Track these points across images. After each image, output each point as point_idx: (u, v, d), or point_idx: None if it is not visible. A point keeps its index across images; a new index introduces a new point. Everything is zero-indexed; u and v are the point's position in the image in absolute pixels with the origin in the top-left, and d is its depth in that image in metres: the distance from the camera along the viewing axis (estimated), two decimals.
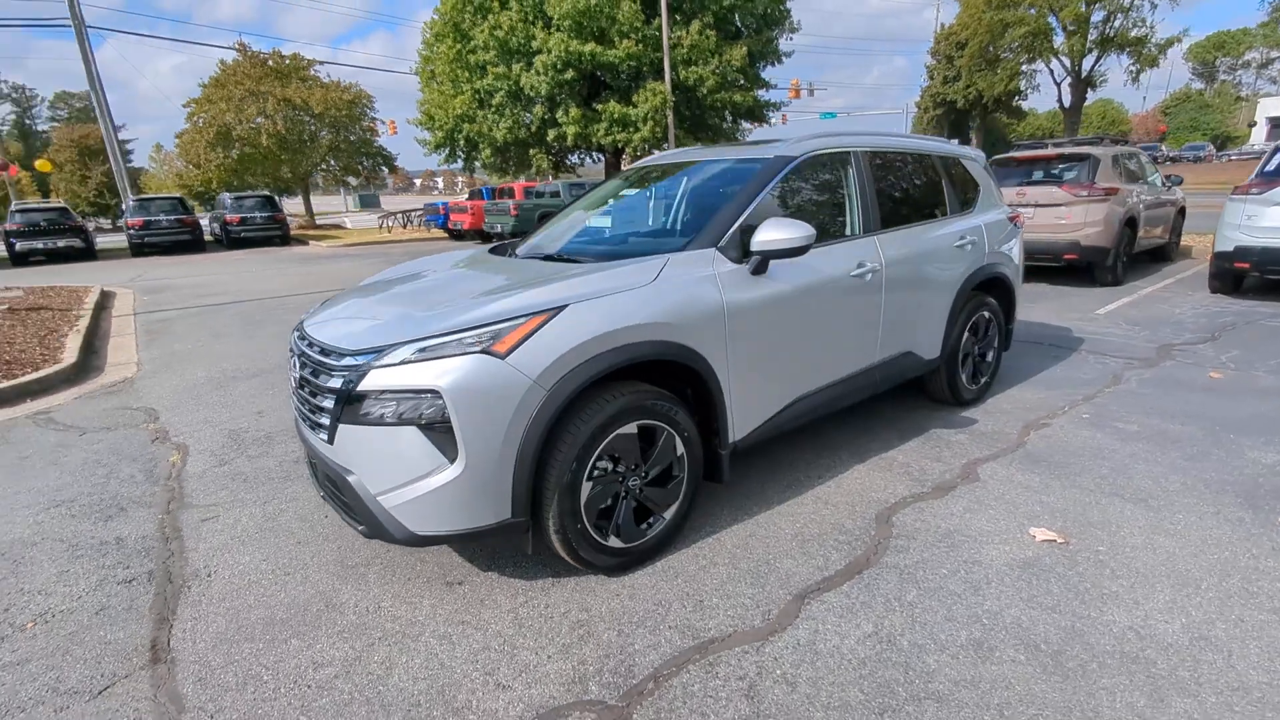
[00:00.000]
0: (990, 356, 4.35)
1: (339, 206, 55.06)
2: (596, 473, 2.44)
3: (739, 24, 20.63)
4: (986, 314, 4.18)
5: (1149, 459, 3.38)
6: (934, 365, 3.90)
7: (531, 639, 2.24)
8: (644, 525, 2.63)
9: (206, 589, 2.61)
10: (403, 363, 2.18)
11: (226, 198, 22.75)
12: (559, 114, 19.24)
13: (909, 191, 3.86)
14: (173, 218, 20.84)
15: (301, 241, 22.97)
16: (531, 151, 21.20)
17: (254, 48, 28.69)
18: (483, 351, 2.17)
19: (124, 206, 22.31)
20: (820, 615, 2.30)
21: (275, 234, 22.36)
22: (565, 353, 2.25)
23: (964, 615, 2.26)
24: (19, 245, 18.92)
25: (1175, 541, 2.65)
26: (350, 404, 2.23)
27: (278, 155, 27.73)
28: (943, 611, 2.28)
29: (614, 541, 2.52)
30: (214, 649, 2.26)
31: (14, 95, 68.11)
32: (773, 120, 23.99)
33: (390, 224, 26.54)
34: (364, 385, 2.21)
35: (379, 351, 2.23)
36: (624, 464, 2.52)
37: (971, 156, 4.35)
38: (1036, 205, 7.64)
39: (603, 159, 23.05)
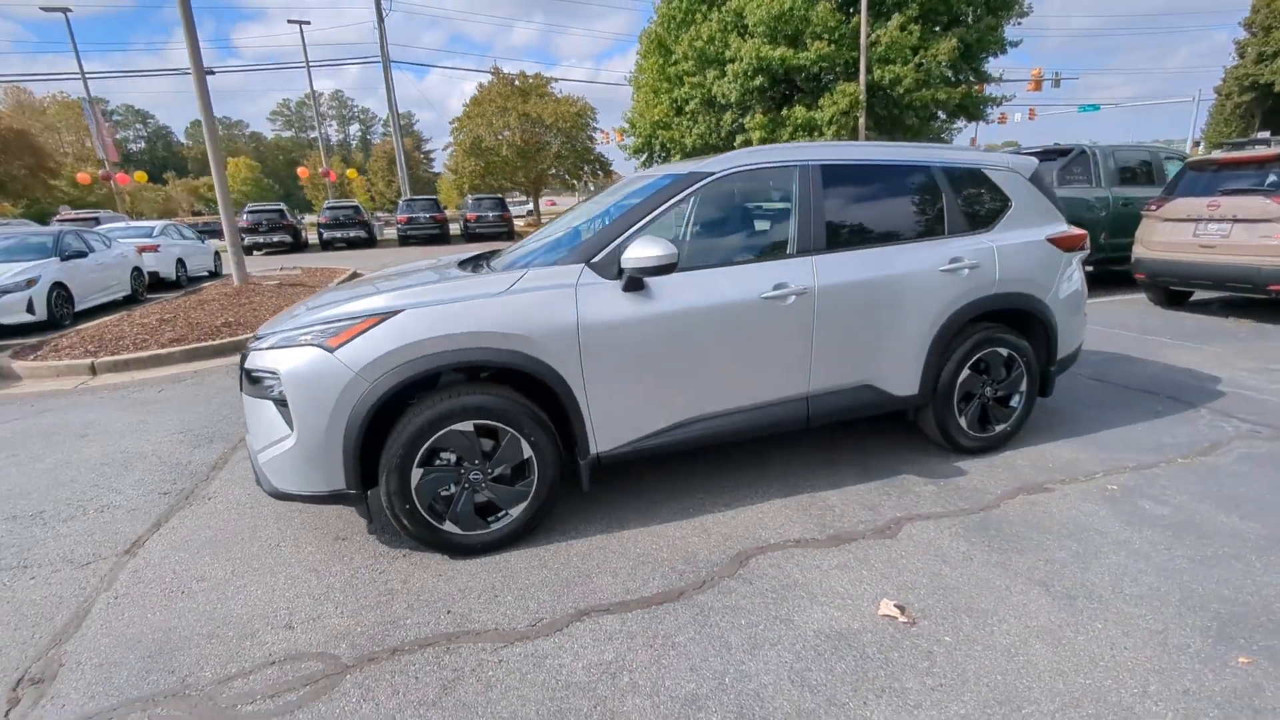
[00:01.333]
0: (1016, 401, 3.61)
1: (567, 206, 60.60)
2: (439, 461, 2.65)
3: (955, 14, 18.50)
4: (1003, 351, 3.48)
5: (1138, 552, 2.61)
6: (913, 403, 3.38)
7: (347, 595, 2.55)
8: (489, 519, 2.78)
9: (199, 509, 3.35)
10: (268, 348, 2.63)
11: (469, 199, 26.51)
12: (746, 119, 19.12)
13: (883, 208, 3.37)
14: (428, 215, 24.91)
15: (523, 236, 25.93)
16: None
17: (505, 70, 32.73)
18: (316, 345, 2.52)
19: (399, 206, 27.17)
20: (581, 634, 2.26)
21: (503, 230, 25.51)
22: (389, 351, 2.50)
23: (709, 670, 2.07)
24: (325, 235, 24.24)
25: (1058, 653, 2.08)
26: (245, 377, 2.74)
27: (514, 162, 31.48)
28: (693, 662, 2.11)
29: (449, 527, 2.72)
30: (165, 554, 2.93)
31: (360, 116, 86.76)
32: (990, 118, 21.14)
33: None
34: (248, 364, 2.70)
35: (260, 338, 2.71)
36: (465, 459, 2.69)
37: (1002, 166, 3.62)
38: (1234, 220, 5.90)
39: None
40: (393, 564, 2.75)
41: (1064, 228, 3.66)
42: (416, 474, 2.63)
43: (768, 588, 2.48)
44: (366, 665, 2.15)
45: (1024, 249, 3.50)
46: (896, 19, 17.41)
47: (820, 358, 3.13)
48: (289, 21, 45.17)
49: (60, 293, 9.06)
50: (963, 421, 3.49)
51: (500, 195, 27.77)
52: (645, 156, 23.20)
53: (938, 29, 18.37)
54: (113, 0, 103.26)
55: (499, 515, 2.79)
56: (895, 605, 2.32)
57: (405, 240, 24.62)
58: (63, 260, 9.47)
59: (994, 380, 3.53)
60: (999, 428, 3.59)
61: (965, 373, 3.42)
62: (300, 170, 40.70)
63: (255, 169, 63.24)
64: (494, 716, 1.92)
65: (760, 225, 3.20)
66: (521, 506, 2.80)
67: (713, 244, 3.25)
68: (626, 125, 23.42)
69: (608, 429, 2.85)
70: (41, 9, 25.58)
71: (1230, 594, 2.34)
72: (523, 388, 2.77)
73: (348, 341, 2.52)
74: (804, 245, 3.11)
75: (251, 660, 2.19)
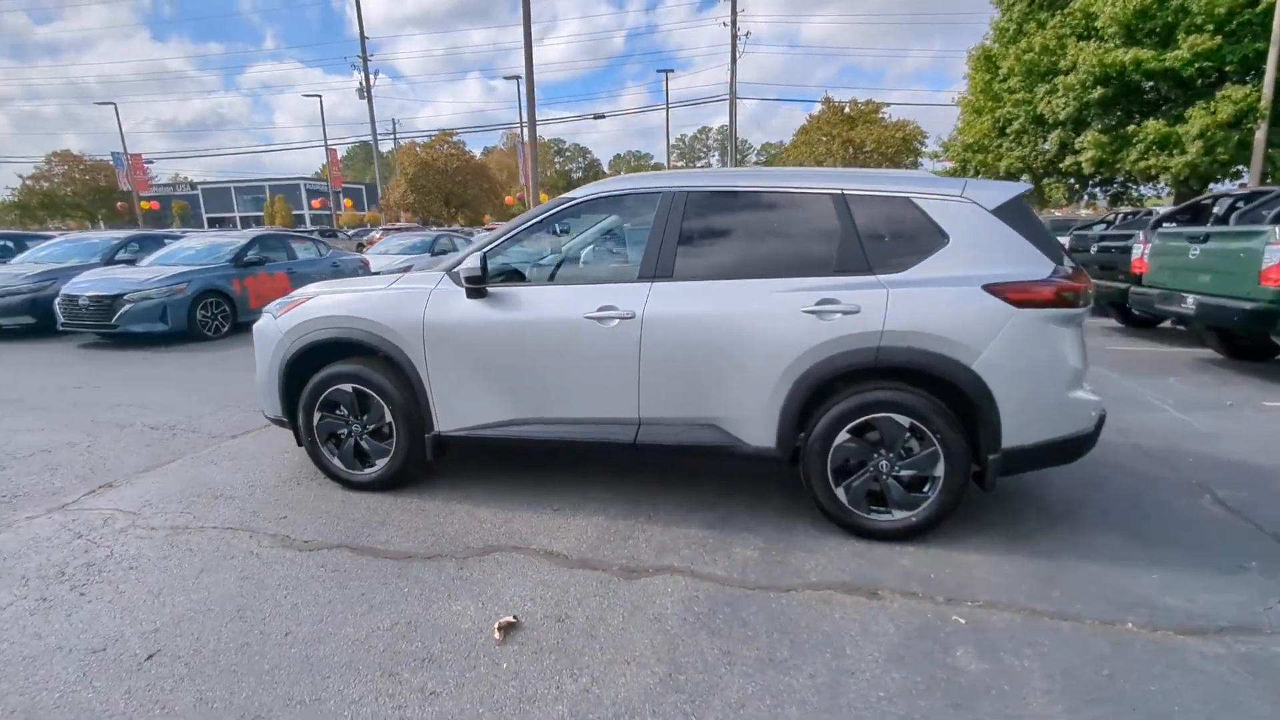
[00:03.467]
0: (929, 488, 2.80)
1: None
2: (338, 411, 3.50)
3: None
4: (902, 420, 2.76)
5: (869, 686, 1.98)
6: (771, 455, 2.96)
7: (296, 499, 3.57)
8: (366, 464, 3.51)
9: (196, 456, 4.71)
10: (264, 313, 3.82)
11: None
12: (1080, 139, 15.65)
13: (754, 239, 3.01)
14: None
15: None
16: (1045, 182, 17.83)
17: (835, 99, 32.55)
18: (270, 313, 3.60)
19: None
20: (340, 558, 2.84)
21: None
22: (301, 322, 3.43)
23: (389, 605, 2.44)
24: None
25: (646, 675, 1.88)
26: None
27: None
28: (377, 600, 2.50)
29: (337, 463, 3.54)
30: (142, 495, 4.34)
31: (741, 148, 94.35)
32: None
33: None
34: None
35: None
36: (350, 413, 3.48)
37: (948, 195, 2.81)
38: None
39: (1171, 189, 17.26)
40: (320, 486, 3.66)
41: (1023, 274, 2.71)
42: (317, 415, 3.51)
43: (474, 573, 2.68)
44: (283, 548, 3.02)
45: (937, 296, 2.74)
46: None
47: (650, 385, 3.02)
48: (657, 70, 52.42)
49: None
50: (841, 495, 2.90)
51: None
52: None
53: None
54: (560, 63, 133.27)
55: (372, 463, 3.51)
56: (510, 619, 2.31)
57: None
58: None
59: (893, 454, 2.83)
60: (898, 514, 2.86)
61: (844, 436, 2.84)
62: (508, 199, 47.75)
63: None
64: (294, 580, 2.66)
65: (617, 249, 3.22)
66: (385, 460, 3.46)
67: (571, 263, 3.38)
68: (939, 149, 21.26)
69: (447, 412, 3.31)
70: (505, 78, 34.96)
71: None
72: (395, 366, 3.41)
73: (286, 313, 3.53)
74: (647, 271, 3.05)
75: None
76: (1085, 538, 2.91)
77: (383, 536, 3.01)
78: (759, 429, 2.95)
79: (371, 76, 35.70)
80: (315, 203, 54.08)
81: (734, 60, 31.58)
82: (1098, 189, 19.09)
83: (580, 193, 3.30)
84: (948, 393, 2.77)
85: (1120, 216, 10.42)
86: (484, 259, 3.15)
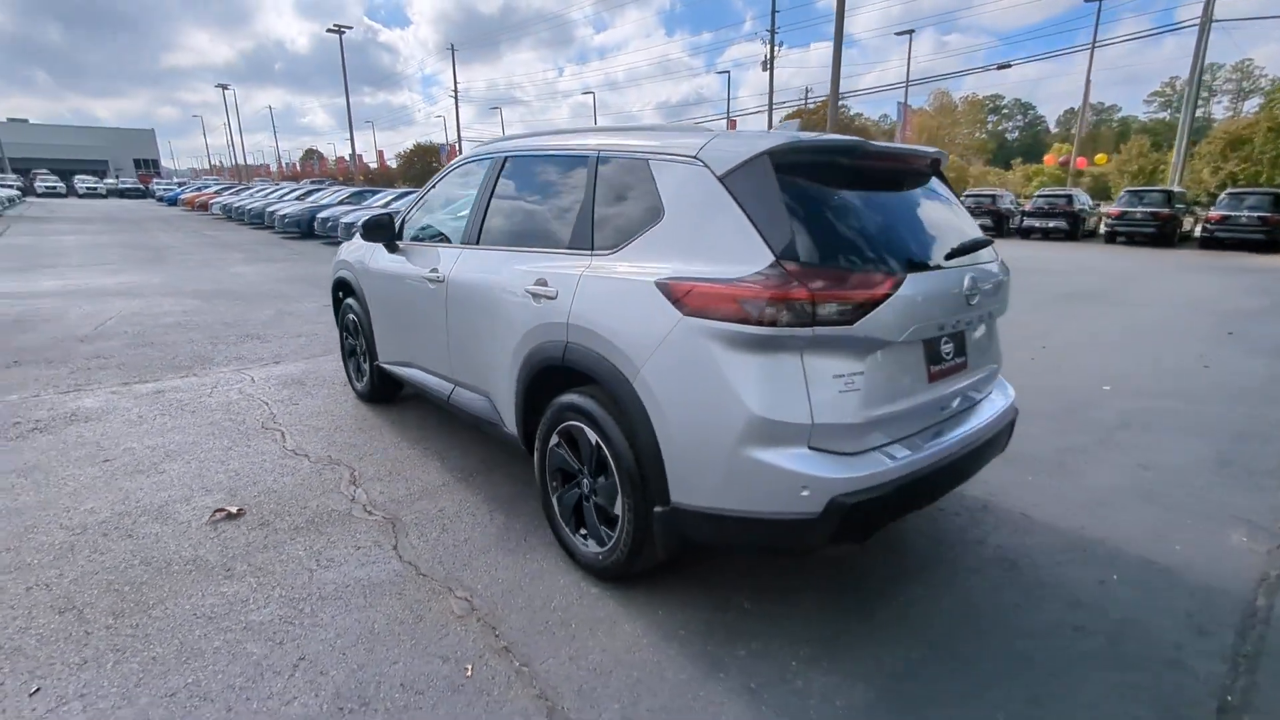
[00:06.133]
0: (618, 527, 2.20)
1: None
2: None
3: None
4: (590, 434, 2.21)
5: None
6: (515, 441, 2.75)
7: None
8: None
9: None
10: None
11: (1225, 195, 19.27)
12: None
13: (538, 206, 2.68)
14: (1147, 210, 19.77)
15: None
16: None
17: None
18: None
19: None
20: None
21: (1261, 236, 17.66)
22: (340, 260, 4.46)
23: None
24: (1025, 222, 22.18)
25: None
26: None
27: None
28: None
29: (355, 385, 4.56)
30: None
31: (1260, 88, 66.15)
32: None
33: None
34: None
35: None
36: (351, 334, 4.42)
37: (680, 156, 2.02)
38: None
39: None
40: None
41: (712, 271, 1.85)
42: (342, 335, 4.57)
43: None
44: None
45: (614, 289, 2.06)
46: None
47: (455, 349, 3.09)
48: None
49: None
50: (554, 504, 2.52)
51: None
52: None
53: None
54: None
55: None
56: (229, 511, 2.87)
57: (1112, 237, 20.19)
58: None
59: (590, 472, 2.32)
60: (593, 547, 2.35)
61: (554, 439, 2.45)
62: (1046, 158, 37.60)
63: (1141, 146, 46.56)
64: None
65: (461, 210, 3.23)
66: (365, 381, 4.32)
67: (449, 225, 3.47)
68: None
69: (382, 347, 3.94)
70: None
71: None
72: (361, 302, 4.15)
73: None
74: (468, 236, 3.05)
75: None
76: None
77: None
78: (508, 412, 2.76)
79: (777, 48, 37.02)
80: None
81: None
82: None
83: (457, 160, 3.45)
84: (619, 407, 2.15)
85: None
86: (399, 218, 3.63)
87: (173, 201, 37.96)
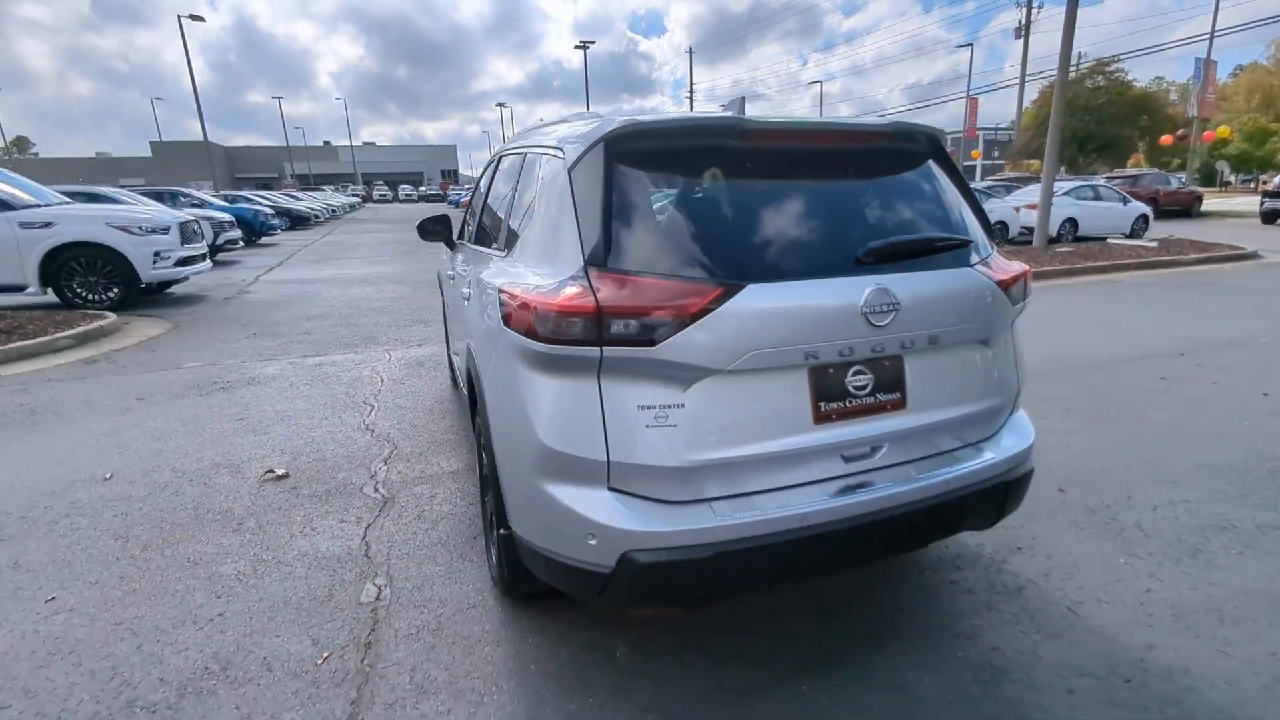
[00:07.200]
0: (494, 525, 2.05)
1: None
2: None
3: None
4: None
5: None
6: None
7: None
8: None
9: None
10: None
11: None
12: None
13: (496, 207, 2.64)
14: None
15: None
16: None
17: None
18: None
19: None
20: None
21: None
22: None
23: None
24: (1267, 204, 18.79)
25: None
26: None
27: None
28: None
29: None
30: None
31: None
32: None
33: None
34: None
35: None
36: None
37: (545, 149, 1.80)
38: None
39: None
40: None
41: (532, 281, 1.64)
42: None
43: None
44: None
45: (483, 295, 1.88)
46: None
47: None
48: None
49: None
50: (484, 510, 2.47)
51: None
52: None
53: None
54: None
55: None
56: (279, 471, 3.34)
57: (1270, 217, 18.35)
58: None
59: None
60: (493, 557, 2.24)
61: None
62: (1164, 139, 30.23)
63: None
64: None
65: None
66: None
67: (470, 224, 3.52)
68: None
69: (450, 338, 4.26)
70: None
71: None
72: None
73: None
74: (468, 235, 3.15)
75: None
76: None
77: None
78: None
79: (1034, 10, 31.34)
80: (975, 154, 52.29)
81: None
82: None
83: (498, 151, 3.49)
84: None
85: None
86: (457, 222, 3.88)
87: (455, 204, 45.64)
